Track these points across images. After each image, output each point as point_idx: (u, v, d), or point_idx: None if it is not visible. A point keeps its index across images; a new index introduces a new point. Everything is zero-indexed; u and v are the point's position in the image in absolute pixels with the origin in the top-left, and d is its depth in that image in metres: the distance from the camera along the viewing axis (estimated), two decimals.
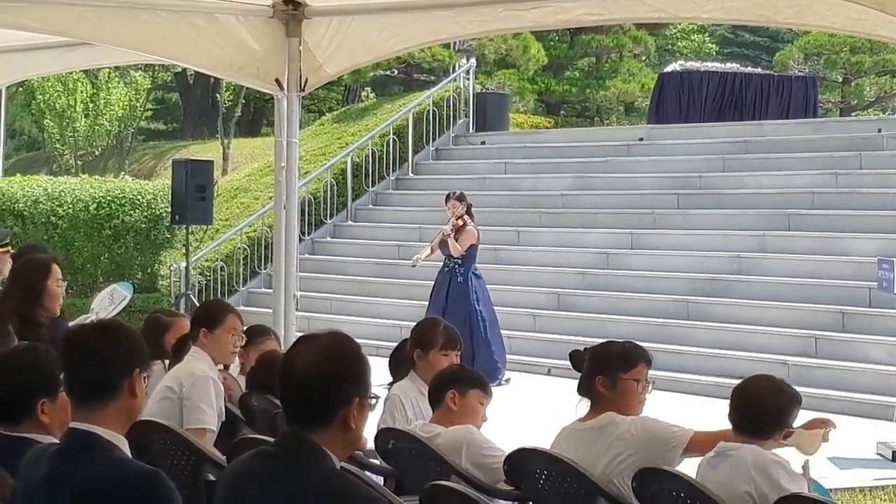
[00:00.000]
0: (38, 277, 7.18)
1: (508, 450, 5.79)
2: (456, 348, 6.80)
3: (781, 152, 19.53)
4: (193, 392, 6.35)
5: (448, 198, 15.45)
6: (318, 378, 3.66)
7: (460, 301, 14.83)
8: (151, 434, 5.83)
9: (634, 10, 7.30)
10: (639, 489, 5.27)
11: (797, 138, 20.05)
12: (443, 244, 15.16)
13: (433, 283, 15.47)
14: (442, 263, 15.36)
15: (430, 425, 6.16)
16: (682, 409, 13.24)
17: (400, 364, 7.01)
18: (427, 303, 15.44)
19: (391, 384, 6.88)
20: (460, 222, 15.09)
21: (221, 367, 7.16)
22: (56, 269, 7.30)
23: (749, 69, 27.88)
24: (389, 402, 6.68)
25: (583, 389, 5.77)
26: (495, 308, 15.42)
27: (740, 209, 18.15)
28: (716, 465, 5.26)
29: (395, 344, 7.47)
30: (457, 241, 14.99)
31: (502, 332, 15.42)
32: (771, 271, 16.65)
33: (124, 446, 3.93)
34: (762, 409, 5.28)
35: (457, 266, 15.01)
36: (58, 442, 4.05)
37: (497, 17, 7.59)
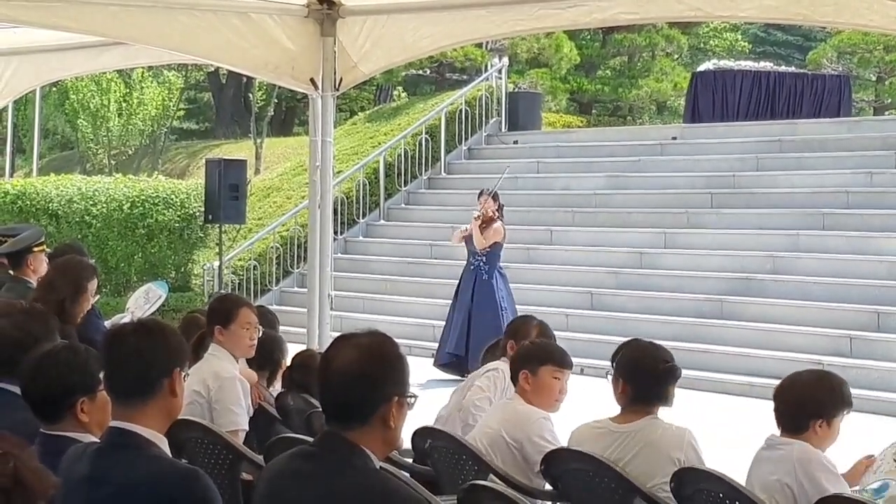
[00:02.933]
0: (87, 276, 7.24)
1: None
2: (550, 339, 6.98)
3: (815, 151, 19.47)
4: (223, 395, 6.36)
5: (481, 193, 15.39)
6: (357, 377, 3.66)
7: (487, 299, 14.78)
8: (188, 433, 5.84)
9: (671, 9, 7.27)
10: (677, 490, 5.25)
11: (831, 137, 19.97)
12: (468, 239, 15.10)
13: (457, 281, 15.41)
14: (466, 261, 15.29)
15: (514, 395, 6.27)
16: (715, 409, 13.23)
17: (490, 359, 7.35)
18: (446, 300, 15.39)
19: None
20: (489, 213, 15.03)
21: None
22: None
23: (782, 68, 27.78)
24: (494, 371, 7.05)
25: (663, 400, 5.71)
26: (529, 307, 15.34)
27: (774, 208, 18.08)
28: (766, 457, 5.30)
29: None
30: (482, 233, 14.92)
31: None
32: (805, 271, 16.58)
33: (164, 445, 3.95)
34: (796, 400, 5.26)
35: (481, 264, 14.94)
36: (97, 441, 4.07)
37: (533, 16, 7.57)
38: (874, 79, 33.58)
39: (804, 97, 24.43)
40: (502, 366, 6.95)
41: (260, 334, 6.77)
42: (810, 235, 17.22)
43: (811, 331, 15.34)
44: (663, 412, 5.70)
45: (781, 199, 18.30)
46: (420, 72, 32.21)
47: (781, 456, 5.19)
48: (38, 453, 4.06)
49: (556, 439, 6.03)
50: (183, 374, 4.04)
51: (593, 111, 34.58)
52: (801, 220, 17.59)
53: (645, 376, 5.59)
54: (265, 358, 7.10)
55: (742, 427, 12.14)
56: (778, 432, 5.32)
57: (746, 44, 44.16)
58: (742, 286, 16.67)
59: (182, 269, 22.02)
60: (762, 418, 12.21)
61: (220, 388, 6.35)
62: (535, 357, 6.25)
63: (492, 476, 5.71)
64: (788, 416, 5.25)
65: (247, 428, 6.43)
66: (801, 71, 28.31)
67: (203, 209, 19.71)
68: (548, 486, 5.87)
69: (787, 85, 24.67)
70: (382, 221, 22.45)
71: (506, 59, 25.32)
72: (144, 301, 9.70)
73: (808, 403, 5.23)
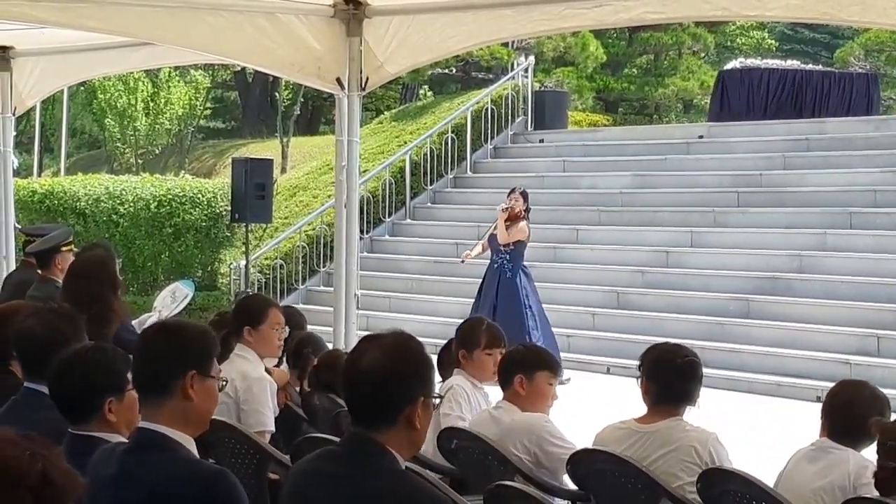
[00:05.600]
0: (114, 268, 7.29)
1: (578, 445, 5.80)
2: (500, 346, 6.82)
3: (843, 150, 19.40)
4: (251, 396, 6.36)
5: (513, 190, 15.36)
6: (383, 377, 3.66)
7: (511, 297, 14.73)
8: (216, 433, 5.85)
9: (698, 9, 7.26)
10: (703, 491, 5.24)
11: (859, 135, 19.89)
12: (492, 238, 15.08)
13: (481, 279, 15.39)
14: (489, 260, 15.27)
15: (504, 402, 6.22)
16: (741, 408, 13.20)
17: (446, 364, 7.05)
18: (473, 300, 15.38)
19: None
20: (516, 208, 15.00)
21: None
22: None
23: (810, 66, 27.65)
24: (452, 390, 6.70)
25: (687, 399, 5.68)
26: (555, 306, 15.35)
27: (801, 207, 18.02)
28: (816, 459, 5.32)
29: None
30: (507, 229, 14.89)
31: (561, 330, 15.33)
32: (832, 270, 16.52)
33: (191, 446, 3.96)
34: (858, 418, 5.27)
35: (505, 262, 14.89)
36: (126, 441, 4.09)
37: (559, 16, 7.56)
38: None
39: (831, 95, 24.30)
40: (456, 380, 6.79)
41: (287, 334, 6.78)
42: (837, 234, 17.15)
43: (838, 330, 15.28)
44: (690, 414, 5.68)
45: (808, 197, 18.24)
46: (446, 71, 32.22)
47: (835, 459, 5.23)
48: (66, 453, 4.08)
49: (566, 439, 6.03)
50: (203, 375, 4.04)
51: (619, 110, 34.56)
52: (829, 219, 17.52)
53: (666, 373, 5.59)
54: (298, 357, 7.13)
55: (769, 427, 12.11)
56: (817, 434, 5.40)
57: (773, 42, 44.00)
58: (769, 285, 16.62)
59: (209, 268, 22.08)
60: (789, 418, 12.20)
61: (248, 389, 6.36)
62: (531, 363, 6.26)
63: (518, 476, 5.71)
64: (845, 429, 5.30)
65: (273, 429, 6.43)
66: (829, 69, 28.17)
67: (230, 208, 19.77)
68: (572, 486, 5.87)
69: (814, 83, 24.53)
70: (409, 220, 22.47)
71: (532, 58, 25.31)
72: (171, 300, 9.74)
73: (863, 425, 5.25)
